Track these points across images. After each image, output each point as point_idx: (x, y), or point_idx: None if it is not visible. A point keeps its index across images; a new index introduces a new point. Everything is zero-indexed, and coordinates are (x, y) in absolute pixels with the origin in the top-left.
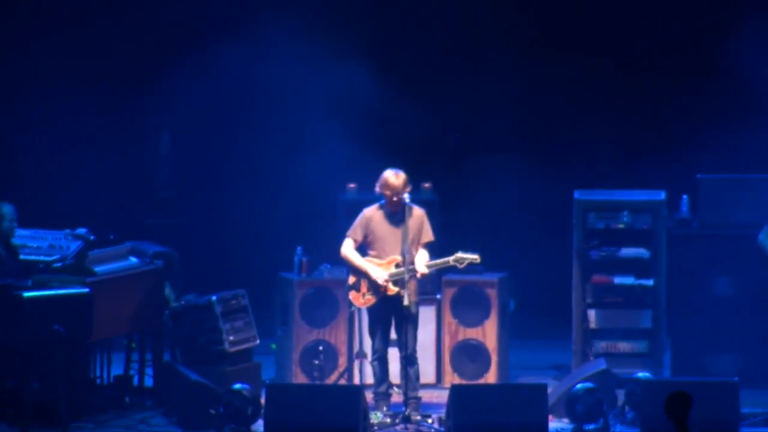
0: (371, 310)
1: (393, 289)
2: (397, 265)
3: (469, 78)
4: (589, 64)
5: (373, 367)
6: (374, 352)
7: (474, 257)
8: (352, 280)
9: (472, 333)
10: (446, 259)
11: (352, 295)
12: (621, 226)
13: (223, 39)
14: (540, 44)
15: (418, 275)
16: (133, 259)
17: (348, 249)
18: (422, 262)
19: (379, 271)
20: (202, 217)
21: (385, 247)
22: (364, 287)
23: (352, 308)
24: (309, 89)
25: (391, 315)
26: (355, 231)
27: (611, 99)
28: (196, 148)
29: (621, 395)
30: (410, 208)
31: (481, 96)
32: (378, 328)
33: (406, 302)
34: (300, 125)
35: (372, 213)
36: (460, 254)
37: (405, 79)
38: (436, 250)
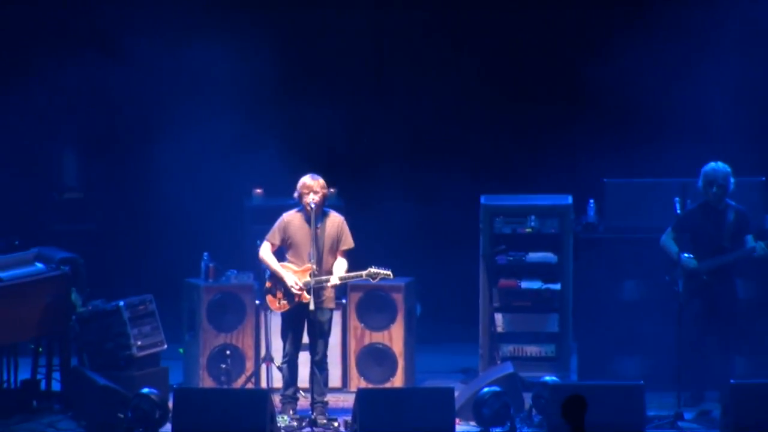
0: (284, 314)
1: (307, 297)
2: (312, 274)
3: (374, 83)
4: (495, 65)
5: (281, 370)
6: (285, 355)
7: (387, 272)
8: (268, 284)
9: (379, 337)
10: (359, 272)
11: (268, 299)
12: (528, 230)
13: (133, 39)
14: (447, 48)
15: (329, 286)
16: (39, 265)
17: (266, 253)
18: (338, 273)
19: (294, 278)
20: (108, 222)
21: (302, 253)
22: (279, 293)
23: (269, 312)
24: (216, 94)
25: (304, 320)
26: (273, 235)
27: (517, 103)
28: (102, 152)
29: (528, 399)
30: (328, 214)
31: (387, 101)
32: (290, 332)
33: (311, 307)
34: (207, 130)
35: (291, 217)
36: (373, 269)
37: (311, 85)
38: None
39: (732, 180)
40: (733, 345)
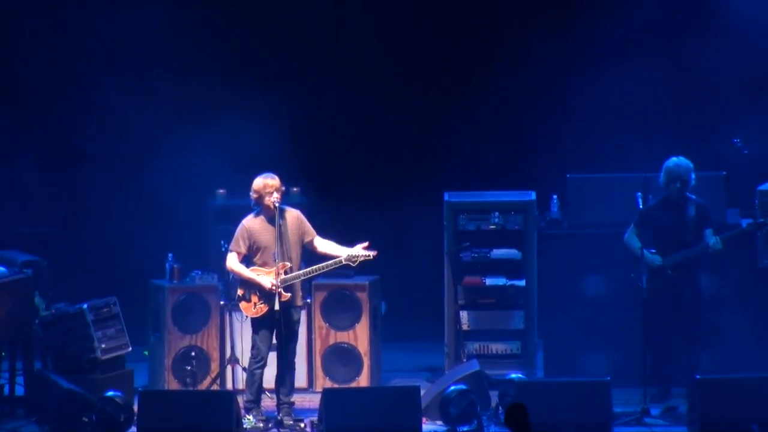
0: (259, 319)
1: (286, 295)
2: (286, 271)
3: (335, 81)
4: (458, 62)
5: (255, 374)
6: (260, 359)
7: (367, 254)
8: (240, 292)
9: (344, 337)
10: (338, 258)
11: (243, 306)
12: (492, 227)
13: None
14: (407, 46)
15: (300, 280)
16: (2, 269)
17: (233, 262)
18: (341, 251)
19: (270, 278)
20: (72, 225)
21: (270, 255)
22: (254, 297)
23: (234, 313)
24: (179, 95)
25: (277, 321)
26: (238, 244)
27: (481, 99)
28: (64, 155)
29: (494, 396)
30: (285, 211)
31: (349, 99)
32: (265, 335)
33: (276, 307)
34: (169, 131)
35: (251, 223)
36: (352, 252)
37: (273, 85)
38: (306, 255)
39: (693, 175)
40: (698, 340)
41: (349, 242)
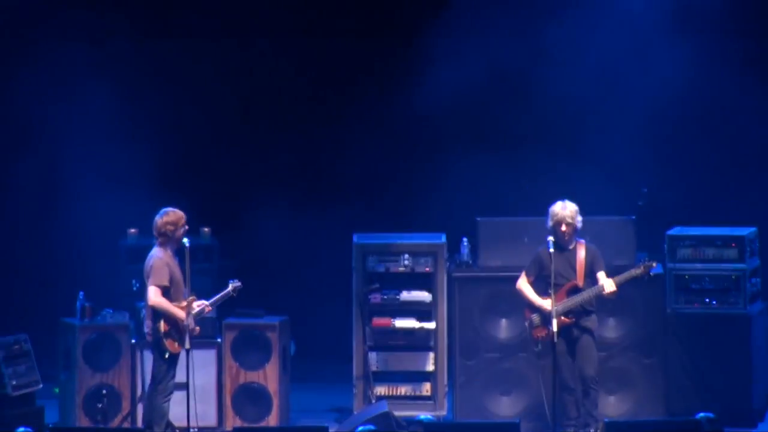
0: (175, 356)
1: (198, 331)
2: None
3: (244, 120)
4: (366, 101)
5: (165, 407)
6: (170, 392)
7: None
8: (165, 327)
9: (254, 376)
10: (227, 291)
11: (168, 344)
12: (401, 269)
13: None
14: (319, 83)
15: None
16: None
17: (159, 297)
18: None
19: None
20: None
21: (180, 290)
22: (176, 333)
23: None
24: (91, 130)
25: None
26: (163, 278)
27: (393, 143)
28: None
29: None
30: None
31: (258, 139)
32: (174, 371)
33: (187, 345)
34: (81, 168)
35: (167, 257)
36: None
37: (181, 123)
38: (213, 292)
39: (580, 218)
40: (594, 384)
41: (261, 282)
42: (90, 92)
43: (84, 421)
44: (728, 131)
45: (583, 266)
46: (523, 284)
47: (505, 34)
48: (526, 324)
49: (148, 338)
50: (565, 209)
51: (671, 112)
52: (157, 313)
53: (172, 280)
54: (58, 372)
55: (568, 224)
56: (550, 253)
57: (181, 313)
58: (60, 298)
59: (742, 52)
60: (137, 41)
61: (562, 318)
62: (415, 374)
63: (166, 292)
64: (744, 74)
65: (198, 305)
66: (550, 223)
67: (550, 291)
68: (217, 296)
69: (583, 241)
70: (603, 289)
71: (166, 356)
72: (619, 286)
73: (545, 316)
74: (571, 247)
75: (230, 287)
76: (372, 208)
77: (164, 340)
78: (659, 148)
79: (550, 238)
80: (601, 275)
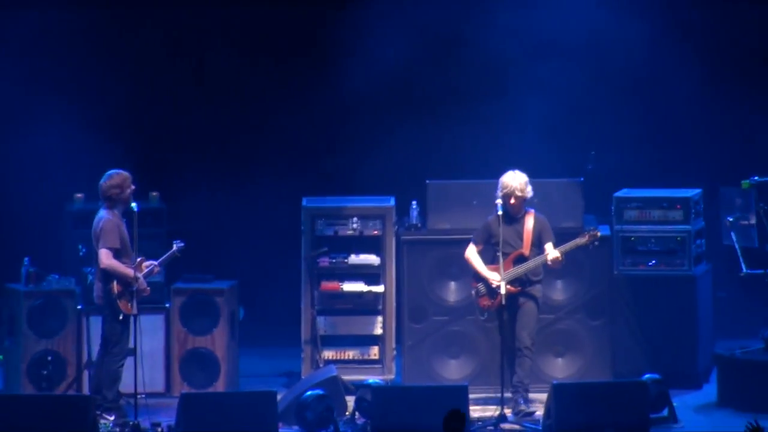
0: (127, 317)
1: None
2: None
3: (195, 80)
4: (325, 63)
5: (120, 372)
6: (124, 356)
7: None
8: (118, 288)
9: (202, 341)
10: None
11: (122, 304)
12: (350, 232)
13: None
14: (278, 44)
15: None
16: None
17: (110, 258)
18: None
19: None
20: None
21: (128, 253)
22: (128, 295)
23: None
24: (39, 94)
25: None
26: (114, 239)
27: (342, 106)
28: None
29: (352, 402)
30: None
31: (209, 100)
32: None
33: (134, 311)
34: (28, 132)
35: (117, 220)
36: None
37: (131, 85)
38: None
39: (530, 188)
40: (528, 351)
41: (210, 247)
42: (35, 55)
43: (29, 388)
44: (676, 93)
45: (530, 236)
46: (471, 254)
47: None
48: (473, 293)
49: (99, 301)
50: (515, 180)
51: (619, 73)
52: (109, 276)
53: (121, 241)
54: (1, 338)
55: (517, 196)
56: (499, 220)
57: (132, 274)
58: (4, 263)
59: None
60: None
61: (508, 287)
62: (363, 338)
63: (116, 254)
64: (688, 39)
65: (146, 266)
66: (499, 194)
67: (498, 256)
68: (164, 257)
69: (532, 210)
70: (547, 258)
71: (120, 317)
72: (563, 255)
73: (490, 287)
74: (519, 216)
75: (174, 247)
76: (321, 172)
77: (118, 301)
78: (607, 110)
79: (498, 202)
80: (548, 246)
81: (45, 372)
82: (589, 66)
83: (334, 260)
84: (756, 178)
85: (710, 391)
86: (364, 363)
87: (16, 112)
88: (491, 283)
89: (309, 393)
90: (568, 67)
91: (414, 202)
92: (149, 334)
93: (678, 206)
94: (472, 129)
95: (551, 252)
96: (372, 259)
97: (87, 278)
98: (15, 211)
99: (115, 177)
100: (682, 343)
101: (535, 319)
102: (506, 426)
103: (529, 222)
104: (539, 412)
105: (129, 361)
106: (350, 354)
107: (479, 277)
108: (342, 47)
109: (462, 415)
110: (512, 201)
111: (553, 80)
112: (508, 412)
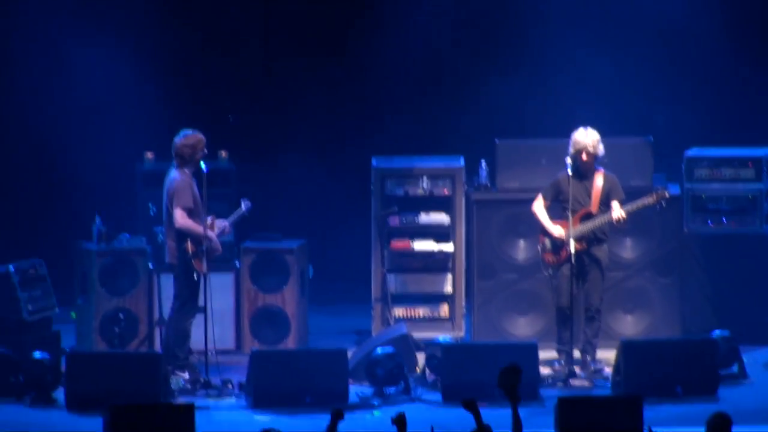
0: (200, 276)
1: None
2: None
3: (263, 44)
4: (383, 34)
5: (189, 330)
6: (194, 314)
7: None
8: (192, 248)
9: (272, 299)
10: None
11: (196, 263)
12: (420, 192)
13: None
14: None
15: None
16: None
17: (186, 218)
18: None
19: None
20: None
21: (200, 212)
22: (201, 254)
23: (195, 276)
24: (105, 57)
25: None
26: (188, 199)
27: (411, 67)
28: None
29: (422, 359)
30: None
31: (277, 64)
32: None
33: (204, 270)
34: (98, 92)
35: (189, 179)
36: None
37: (204, 48)
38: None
39: (601, 146)
40: (597, 314)
41: (279, 206)
42: (108, 11)
43: (101, 346)
44: (746, 52)
45: (599, 194)
46: (538, 208)
47: None
48: (539, 248)
49: (172, 260)
50: (587, 137)
51: (688, 31)
52: (182, 235)
53: (194, 201)
54: (74, 297)
55: (589, 153)
56: (569, 178)
57: (207, 233)
58: (76, 223)
59: None
60: None
61: (575, 244)
62: (433, 296)
63: (189, 214)
64: None
65: (218, 225)
66: (571, 150)
67: (566, 215)
68: (233, 216)
69: (602, 169)
70: (612, 216)
71: (195, 277)
72: (629, 214)
73: (555, 242)
74: (589, 174)
75: (243, 207)
76: (390, 132)
77: (193, 260)
78: (678, 69)
79: (568, 160)
80: (615, 204)
81: (117, 329)
82: (660, 23)
83: (404, 219)
84: None
85: None
86: (434, 321)
87: (88, 72)
88: (556, 239)
89: (379, 350)
90: (637, 27)
91: (483, 162)
92: (219, 293)
93: (750, 164)
94: (543, 88)
95: (616, 210)
96: (442, 218)
97: (157, 237)
98: (86, 171)
99: (191, 137)
100: (752, 300)
101: (602, 283)
102: (575, 382)
103: (599, 180)
104: (608, 369)
105: (199, 319)
106: (420, 312)
107: (546, 232)
108: (410, 4)
109: (519, 370)
110: (584, 157)
111: (621, 40)
112: (577, 369)
